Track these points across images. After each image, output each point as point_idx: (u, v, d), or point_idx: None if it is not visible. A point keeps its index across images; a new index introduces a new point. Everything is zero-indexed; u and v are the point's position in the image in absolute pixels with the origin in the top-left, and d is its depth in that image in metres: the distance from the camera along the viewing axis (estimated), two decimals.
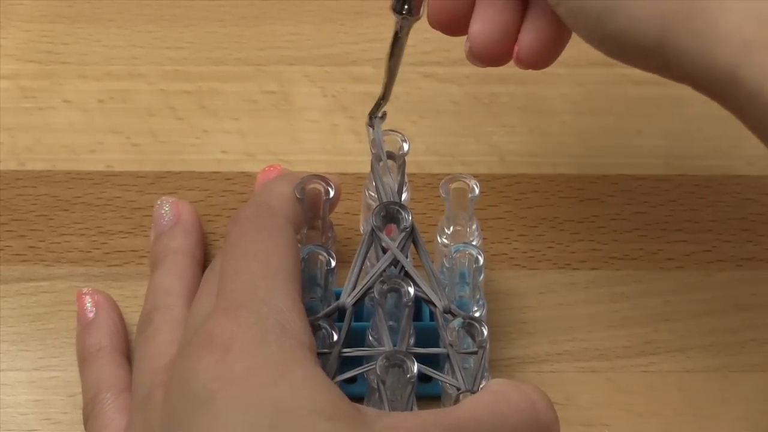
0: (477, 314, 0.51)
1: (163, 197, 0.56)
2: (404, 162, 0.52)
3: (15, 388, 0.54)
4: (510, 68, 0.65)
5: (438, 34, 0.66)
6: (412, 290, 0.49)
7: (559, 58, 0.65)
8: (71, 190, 0.60)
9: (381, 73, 0.64)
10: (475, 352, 0.48)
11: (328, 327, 0.48)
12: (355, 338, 0.50)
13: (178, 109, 0.63)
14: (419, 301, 0.50)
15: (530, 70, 0.65)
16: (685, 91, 0.64)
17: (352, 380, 0.51)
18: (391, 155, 0.53)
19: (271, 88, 0.64)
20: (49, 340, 0.55)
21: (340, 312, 0.49)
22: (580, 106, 0.63)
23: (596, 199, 0.60)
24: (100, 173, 0.60)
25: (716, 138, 0.62)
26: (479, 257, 0.52)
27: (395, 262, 0.49)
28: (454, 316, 0.49)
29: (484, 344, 0.48)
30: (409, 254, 0.51)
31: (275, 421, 0.40)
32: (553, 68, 0.65)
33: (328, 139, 0.62)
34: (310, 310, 0.48)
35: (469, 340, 0.49)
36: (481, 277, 0.52)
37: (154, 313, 0.51)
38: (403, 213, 0.50)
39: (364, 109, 0.52)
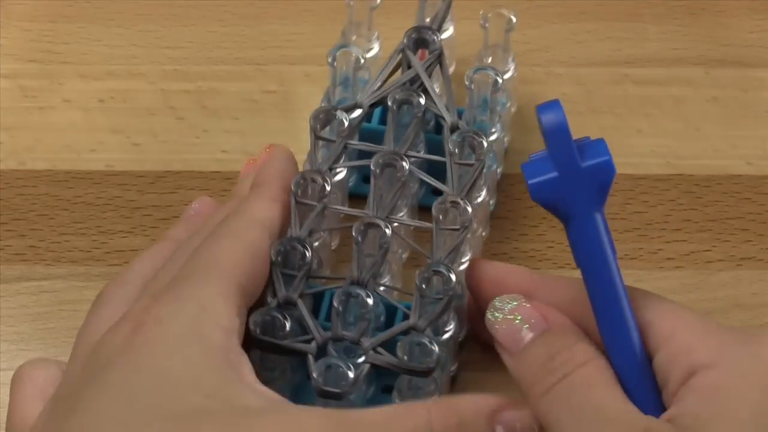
0: (493, 137, 0.55)
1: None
2: None
3: None
4: None
5: None
6: (423, 100, 0.52)
7: (559, 58, 0.66)
8: (71, 189, 0.60)
9: None
10: (471, 165, 0.51)
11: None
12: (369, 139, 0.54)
13: (178, 109, 0.63)
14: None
15: (530, 70, 0.65)
16: (685, 91, 0.65)
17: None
18: None
19: (272, 87, 0.64)
20: (49, 340, 0.55)
21: (357, 108, 0.53)
22: (580, 106, 0.63)
23: None
24: (100, 173, 0.60)
25: (716, 138, 0.62)
26: (498, 79, 0.55)
27: (416, 79, 0.53)
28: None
29: (482, 157, 0.51)
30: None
31: (154, 389, 0.41)
32: (553, 68, 0.65)
33: None
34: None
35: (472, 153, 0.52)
36: (508, 104, 0.57)
37: None
38: (434, 36, 0.54)
39: None
